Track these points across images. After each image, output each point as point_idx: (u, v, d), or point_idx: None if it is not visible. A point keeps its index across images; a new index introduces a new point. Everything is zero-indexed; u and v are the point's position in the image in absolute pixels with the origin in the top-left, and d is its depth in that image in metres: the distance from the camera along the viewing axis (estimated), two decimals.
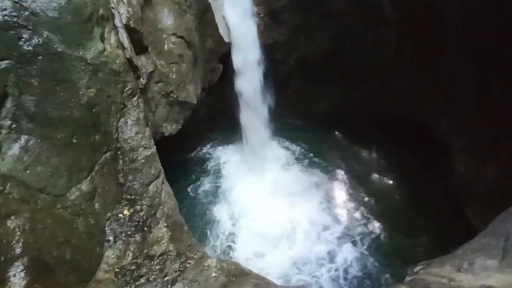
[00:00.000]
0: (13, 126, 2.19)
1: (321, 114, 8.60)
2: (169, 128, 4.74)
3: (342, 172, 7.37)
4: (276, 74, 9.21)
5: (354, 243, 5.94)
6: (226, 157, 7.95)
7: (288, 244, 5.97)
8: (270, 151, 7.93)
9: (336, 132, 8.28)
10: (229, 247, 5.96)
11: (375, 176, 7.27)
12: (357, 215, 6.48)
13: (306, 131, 8.41)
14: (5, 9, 2.19)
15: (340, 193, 7.00)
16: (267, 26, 8.69)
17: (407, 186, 6.93)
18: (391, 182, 7.12)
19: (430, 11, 5.78)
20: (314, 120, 8.47)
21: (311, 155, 7.80)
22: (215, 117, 7.98)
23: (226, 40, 6.91)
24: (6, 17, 2.17)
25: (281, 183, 7.06)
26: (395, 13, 6.76)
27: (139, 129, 3.32)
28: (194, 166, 7.65)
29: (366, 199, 6.77)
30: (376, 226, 6.25)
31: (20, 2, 2.30)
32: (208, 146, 8.10)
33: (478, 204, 5.27)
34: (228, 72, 7.24)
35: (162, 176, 3.72)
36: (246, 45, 7.55)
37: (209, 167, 7.71)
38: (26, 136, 2.24)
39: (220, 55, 7.06)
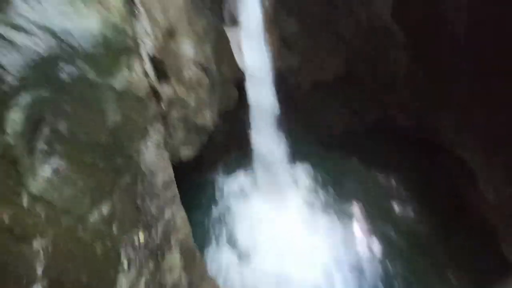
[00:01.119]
0: (47, 149, 2.31)
1: (336, 138, 8.55)
2: (186, 153, 4.84)
3: (361, 203, 7.07)
4: (289, 99, 9.38)
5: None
6: (239, 183, 7.88)
7: None
8: (285, 178, 7.81)
9: (353, 157, 8.11)
10: None
11: (396, 205, 6.92)
12: (379, 252, 6.05)
13: (322, 156, 8.32)
14: (50, 44, 2.42)
15: (360, 226, 6.64)
16: (280, 52, 9.07)
17: (430, 216, 6.50)
18: (412, 213, 6.72)
19: (440, 32, 5.87)
20: (329, 145, 8.41)
21: (328, 182, 7.61)
22: (230, 142, 8.10)
23: (241, 67, 7.23)
24: (49, 51, 2.40)
25: (296, 214, 6.82)
26: (405, 35, 6.91)
27: (159, 153, 3.41)
28: (207, 191, 7.65)
29: (387, 233, 6.33)
30: (398, 265, 5.77)
31: (61, 37, 2.54)
32: (223, 171, 8.14)
33: None
34: (243, 98, 7.48)
35: (178, 200, 3.73)
36: (259, 71, 7.85)
37: (222, 193, 7.66)
38: (57, 159, 2.35)
39: (236, 81, 7.35)
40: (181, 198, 3.77)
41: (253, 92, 7.54)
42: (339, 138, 8.42)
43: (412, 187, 6.95)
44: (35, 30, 2.36)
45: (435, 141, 6.70)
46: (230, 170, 8.19)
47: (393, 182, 7.31)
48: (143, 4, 4.00)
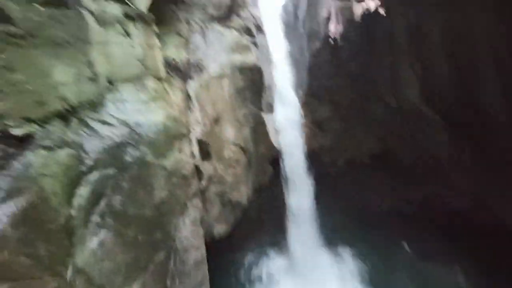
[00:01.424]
0: (100, 221, 2.57)
1: (379, 219, 7.77)
2: (220, 230, 4.82)
3: None
4: (324, 176, 9.27)
5: None
6: (271, 265, 7.20)
7: None
8: (320, 263, 6.95)
9: (401, 243, 7.06)
10: None
11: None
12: None
13: (362, 239, 7.42)
14: (123, 134, 3.03)
15: None
16: (313, 133, 9.58)
17: None
18: None
19: (479, 114, 5.76)
20: (372, 226, 7.60)
21: (374, 273, 6.48)
22: (264, 219, 7.88)
23: (276, 146, 7.71)
24: (122, 139, 2.98)
25: None
26: (440, 117, 6.89)
27: (195, 230, 3.48)
28: (238, 272, 7.04)
29: None
30: None
31: (132, 128, 3.17)
32: (255, 250, 7.64)
33: None
34: (277, 175, 7.66)
35: (207, 282, 3.51)
36: (293, 150, 8.22)
37: (252, 275, 6.96)
38: (106, 231, 2.56)
39: (271, 159, 7.71)
40: (210, 278, 3.56)
41: (288, 169, 7.74)
42: (383, 219, 7.61)
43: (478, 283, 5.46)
44: (116, 123, 3.02)
45: (499, 225, 5.66)
46: (263, 249, 7.64)
47: (462, 281, 5.92)
48: (197, 99, 4.91)
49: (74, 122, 2.67)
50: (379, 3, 6.18)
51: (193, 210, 3.66)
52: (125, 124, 3.05)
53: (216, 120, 5.42)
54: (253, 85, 6.60)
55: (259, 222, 7.78)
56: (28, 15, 2.22)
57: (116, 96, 3.15)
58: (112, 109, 3.02)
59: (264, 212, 7.86)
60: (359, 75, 8.11)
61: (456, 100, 6.11)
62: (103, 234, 2.62)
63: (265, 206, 7.79)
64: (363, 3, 6.42)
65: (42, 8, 2.32)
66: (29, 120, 2.25)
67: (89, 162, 2.68)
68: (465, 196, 6.51)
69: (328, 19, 7.87)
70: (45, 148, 2.31)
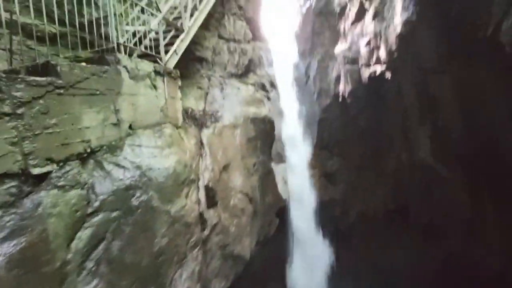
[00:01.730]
0: (93, 268, 2.47)
1: (395, 275, 6.96)
2: (217, 286, 4.44)
3: None
4: (335, 230, 8.76)
5: None
6: None
7: None
8: None
9: None
10: None
11: None
12: None
13: None
14: (134, 176, 3.12)
15: None
16: (323, 185, 9.40)
17: None
18: None
19: (494, 168, 5.52)
20: (387, 284, 6.77)
21: None
22: (268, 272, 7.27)
23: (284, 197, 7.54)
24: (132, 182, 3.06)
25: None
26: (456, 174, 6.66)
27: (191, 285, 3.24)
28: None
29: None
30: None
31: (144, 171, 3.27)
32: None
33: None
34: (283, 227, 7.32)
35: None
36: (302, 201, 7.99)
37: None
38: (97, 281, 2.44)
39: (278, 209, 7.47)
40: None
41: (295, 222, 7.42)
42: (400, 275, 6.79)
43: None
44: (129, 166, 3.14)
45: None
46: None
47: None
48: (209, 146, 5.10)
49: (91, 163, 2.81)
50: (385, 67, 6.68)
51: (192, 262, 3.47)
52: (138, 167, 3.16)
53: (226, 167, 5.50)
54: (264, 135, 6.84)
55: (261, 277, 7.15)
56: (74, 71, 2.57)
57: (135, 141, 3.35)
58: (128, 153, 3.18)
59: (268, 267, 7.29)
60: (369, 129, 8.29)
61: (472, 158, 5.98)
62: (94, 283, 2.49)
63: (269, 259, 7.27)
64: (370, 67, 6.96)
65: (87, 65, 2.69)
66: (51, 160, 2.40)
67: (96, 203, 2.72)
68: (495, 253, 5.84)
69: (337, 78, 8.48)
70: (59, 187, 2.40)
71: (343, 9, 7.60)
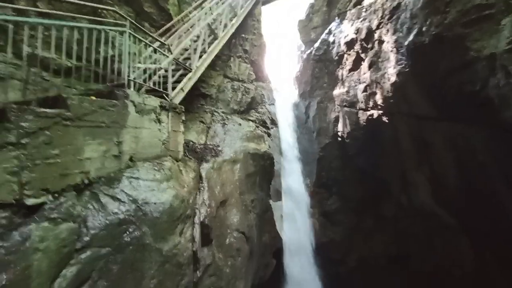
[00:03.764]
0: None
1: None
2: None
3: None
4: (334, 276, 8.23)
5: None
6: None
7: None
8: None
9: None
10: None
11: None
12: None
13: None
14: (128, 210, 3.02)
15: None
16: (322, 225, 9.08)
17: None
18: None
19: (492, 218, 5.37)
20: None
21: None
22: None
23: (281, 236, 7.23)
24: (126, 216, 2.95)
25: None
26: (456, 221, 6.48)
27: None
28: None
29: None
30: None
31: (139, 205, 3.18)
32: None
33: None
34: (279, 270, 6.87)
35: None
36: (300, 242, 7.64)
37: None
38: None
39: (275, 251, 7.10)
40: None
41: (292, 265, 6.99)
42: None
43: None
44: (125, 199, 3.07)
45: None
46: None
47: None
48: (208, 180, 5.04)
49: (87, 195, 2.75)
50: (382, 112, 6.95)
51: None
52: (134, 201, 3.09)
53: (223, 203, 5.36)
54: (263, 171, 6.82)
55: None
56: (83, 104, 2.66)
57: (133, 173, 3.32)
58: (126, 185, 3.14)
59: None
60: (368, 170, 8.29)
61: (469, 205, 5.88)
62: None
63: None
64: (368, 111, 7.24)
65: (96, 99, 2.81)
66: (47, 191, 2.35)
67: (86, 238, 2.59)
68: None
69: (336, 119, 8.76)
70: (50, 220, 2.32)
71: (341, 57, 8.20)
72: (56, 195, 2.46)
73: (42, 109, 2.35)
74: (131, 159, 3.40)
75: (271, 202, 7.10)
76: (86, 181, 2.73)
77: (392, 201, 8.09)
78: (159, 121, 3.84)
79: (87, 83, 3.98)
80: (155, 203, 3.30)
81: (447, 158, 5.98)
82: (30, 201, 2.20)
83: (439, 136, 5.90)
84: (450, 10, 4.24)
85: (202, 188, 4.74)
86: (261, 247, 6.61)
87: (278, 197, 7.50)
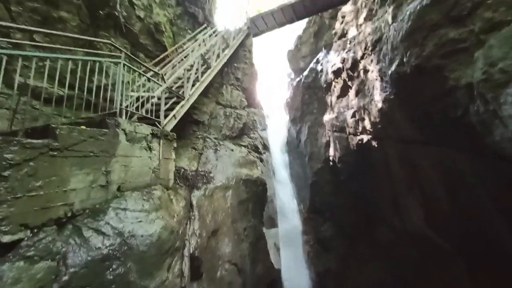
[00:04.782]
0: None
1: None
2: None
3: None
4: None
5: None
6: None
7: None
8: None
9: None
10: None
11: None
12: None
13: None
14: (113, 244, 2.85)
15: None
16: (317, 253, 8.78)
17: None
18: None
19: (486, 242, 5.31)
20: None
21: None
22: None
23: (276, 266, 6.91)
24: (110, 251, 2.78)
25: None
26: (450, 245, 6.39)
27: None
28: None
29: None
30: None
31: (125, 239, 3.01)
32: None
33: None
34: None
35: None
36: (295, 271, 7.31)
37: None
38: None
39: (269, 282, 6.73)
40: None
41: None
42: None
43: None
44: (110, 232, 2.90)
45: None
46: None
47: None
48: (198, 209, 4.88)
49: (68, 229, 2.60)
50: (371, 136, 7.13)
51: None
52: (120, 234, 2.92)
53: (214, 232, 5.16)
54: (256, 197, 6.69)
55: None
56: (73, 134, 2.62)
57: (121, 204, 3.19)
58: (112, 217, 2.99)
59: None
60: (361, 195, 8.26)
61: (462, 229, 5.84)
62: None
63: None
64: (357, 136, 7.41)
65: (86, 129, 2.77)
66: (25, 226, 2.21)
67: (65, 278, 2.40)
68: None
69: (327, 144, 8.89)
70: (26, 258, 2.15)
71: (329, 85, 8.57)
72: (36, 230, 2.31)
73: (29, 140, 2.29)
74: (119, 189, 3.29)
75: (264, 229, 6.87)
76: (69, 214, 2.59)
77: (386, 226, 7.99)
78: (150, 149, 3.80)
79: (78, 112, 3.96)
80: (142, 236, 3.13)
81: (436, 181, 6.07)
82: (5, 238, 2.05)
83: (427, 160, 6.03)
84: (427, 43, 4.57)
85: (192, 217, 4.57)
86: (254, 279, 6.26)
87: (272, 224, 7.29)
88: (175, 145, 4.60)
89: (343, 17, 8.40)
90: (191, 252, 4.11)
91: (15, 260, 2.10)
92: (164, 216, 3.68)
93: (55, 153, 2.49)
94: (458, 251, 6.38)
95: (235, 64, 8.85)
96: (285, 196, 8.42)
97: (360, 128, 7.13)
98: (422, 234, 7.05)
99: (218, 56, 7.21)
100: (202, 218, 4.85)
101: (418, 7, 4.57)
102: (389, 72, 5.37)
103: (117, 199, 3.21)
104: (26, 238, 2.23)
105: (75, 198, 2.65)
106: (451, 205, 5.95)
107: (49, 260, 2.29)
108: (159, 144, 4.03)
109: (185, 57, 6.45)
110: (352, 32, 7.65)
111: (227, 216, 5.57)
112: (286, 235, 7.46)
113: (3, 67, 2.42)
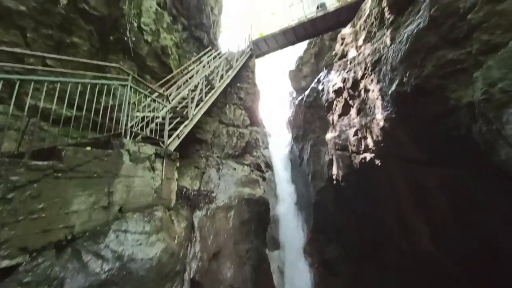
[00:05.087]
0: None
1: None
2: None
3: None
4: None
5: None
6: None
7: None
8: None
9: None
10: None
11: None
12: None
13: None
14: (112, 269, 2.77)
15: None
16: (322, 276, 8.41)
17: None
18: None
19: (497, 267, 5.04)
20: None
21: None
22: None
23: None
24: (109, 276, 2.69)
25: None
26: (460, 268, 6.09)
27: None
28: None
29: None
30: None
31: (124, 263, 2.93)
32: None
33: None
34: None
35: None
36: None
37: None
38: None
39: None
40: None
41: None
42: None
43: None
44: (109, 256, 2.84)
45: None
46: None
47: None
48: (200, 230, 4.79)
49: (67, 253, 2.54)
50: (374, 155, 7.08)
51: None
52: (119, 258, 2.85)
53: (216, 255, 5.01)
54: (258, 217, 6.56)
55: None
56: (78, 154, 2.65)
57: (121, 226, 3.14)
58: (112, 240, 2.94)
59: None
60: (366, 215, 8.05)
61: (471, 252, 5.60)
62: None
63: None
64: (360, 154, 7.38)
65: (92, 150, 2.81)
66: (25, 250, 2.18)
67: None
68: None
69: (330, 162, 8.83)
70: (23, 285, 2.09)
71: (331, 104, 8.68)
72: (35, 254, 2.27)
73: (34, 162, 2.32)
74: (120, 210, 3.26)
75: (267, 251, 6.66)
76: (69, 237, 2.56)
77: (394, 248, 7.69)
78: (153, 169, 3.81)
79: (84, 132, 4.03)
80: (142, 260, 3.05)
81: (444, 202, 5.92)
82: (4, 263, 2.01)
83: (433, 179, 5.93)
84: (426, 64, 4.67)
85: (194, 239, 4.47)
86: None
87: (275, 245, 7.08)
88: (178, 164, 4.61)
89: (343, 38, 8.69)
90: (191, 276, 3.97)
91: (11, 287, 2.04)
92: (165, 238, 3.60)
93: (60, 174, 2.50)
94: (467, 274, 6.08)
95: (238, 84, 9.07)
96: (288, 215, 8.25)
97: (362, 147, 7.11)
98: (430, 257, 6.77)
99: (221, 77, 7.42)
100: (203, 240, 4.74)
101: (416, 30, 4.73)
102: (390, 91, 5.45)
103: (118, 221, 3.17)
104: (24, 263, 2.19)
105: (76, 220, 2.63)
106: (459, 227, 5.76)
107: (46, 286, 2.23)
108: (162, 164, 4.04)
109: (190, 78, 6.65)
110: (352, 53, 7.88)
111: (229, 238, 5.44)
112: (290, 257, 7.20)
113: (15, 91, 2.51)
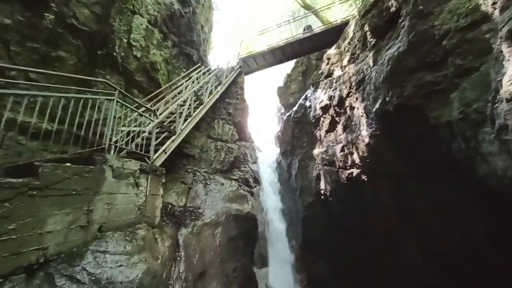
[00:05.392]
0: None
1: None
2: None
3: None
4: None
5: None
6: None
7: None
8: None
9: None
10: None
11: None
12: None
13: None
14: None
15: None
16: None
17: None
18: None
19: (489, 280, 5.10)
20: None
21: None
22: None
23: None
24: None
25: None
26: (452, 283, 6.11)
27: None
28: None
29: None
30: None
31: (102, 287, 2.74)
32: None
33: None
34: None
35: None
36: None
37: None
38: None
39: None
40: None
41: None
42: None
43: None
44: (86, 280, 2.65)
45: None
46: None
47: None
48: (185, 248, 4.60)
49: (39, 277, 2.36)
50: (360, 170, 7.21)
51: None
52: (96, 281, 2.67)
53: (202, 275, 4.79)
54: (246, 234, 6.40)
55: None
56: (56, 171, 2.53)
57: (100, 246, 2.98)
58: (89, 262, 2.76)
59: None
60: (355, 230, 8.04)
61: (461, 266, 5.65)
62: None
63: None
64: (347, 170, 7.49)
65: (71, 166, 2.69)
66: None
67: None
68: None
69: (318, 177, 8.89)
70: None
71: (318, 120, 8.89)
72: (1, 280, 2.09)
73: (8, 179, 2.19)
74: (100, 229, 3.10)
75: (255, 269, 6.45)
76: (42, 260, 2.38)
77: (383, 264, 7.66)
78: (137, 185, 3.68)
79: (65, 146, 3.88)
80: (121, 283, 2.87)
81: (431, 216, 6.01)
82: None
83: (418, 194, 6.05)
84: (407, 84, 4.92)
85: (178, 258, 4.28)
86: None
87: (264, 263, 6.89)
88: (163, 180, 4.50)
89: (329, 58, 9.06)
90: None
91: None
92: (147, 258, 3.43)
93: (35, 192, 2.37)
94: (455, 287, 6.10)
95: (227, 100, 9.16)
96: (276, 232, 8.10)
97: (349, 162, 7.23)
98: (419, 271, 6.77)
99: (211, 92, 7.47)
100: (188, 259, 4.55)
101: (396, 53, 5.02)
102: (374, 109, 5.65)
103: (97, 241, 3.00)
104: None
105: (50, 242, 2.47)
106: (447, 239, 5.83)
107: None
108: (147, 179, 3.92)
109: (178, 93, 6.65)
110: (337, 72, 8.20)
111: (215, 256, 5.25)
112: (277, 274, 7.00)
113: None
